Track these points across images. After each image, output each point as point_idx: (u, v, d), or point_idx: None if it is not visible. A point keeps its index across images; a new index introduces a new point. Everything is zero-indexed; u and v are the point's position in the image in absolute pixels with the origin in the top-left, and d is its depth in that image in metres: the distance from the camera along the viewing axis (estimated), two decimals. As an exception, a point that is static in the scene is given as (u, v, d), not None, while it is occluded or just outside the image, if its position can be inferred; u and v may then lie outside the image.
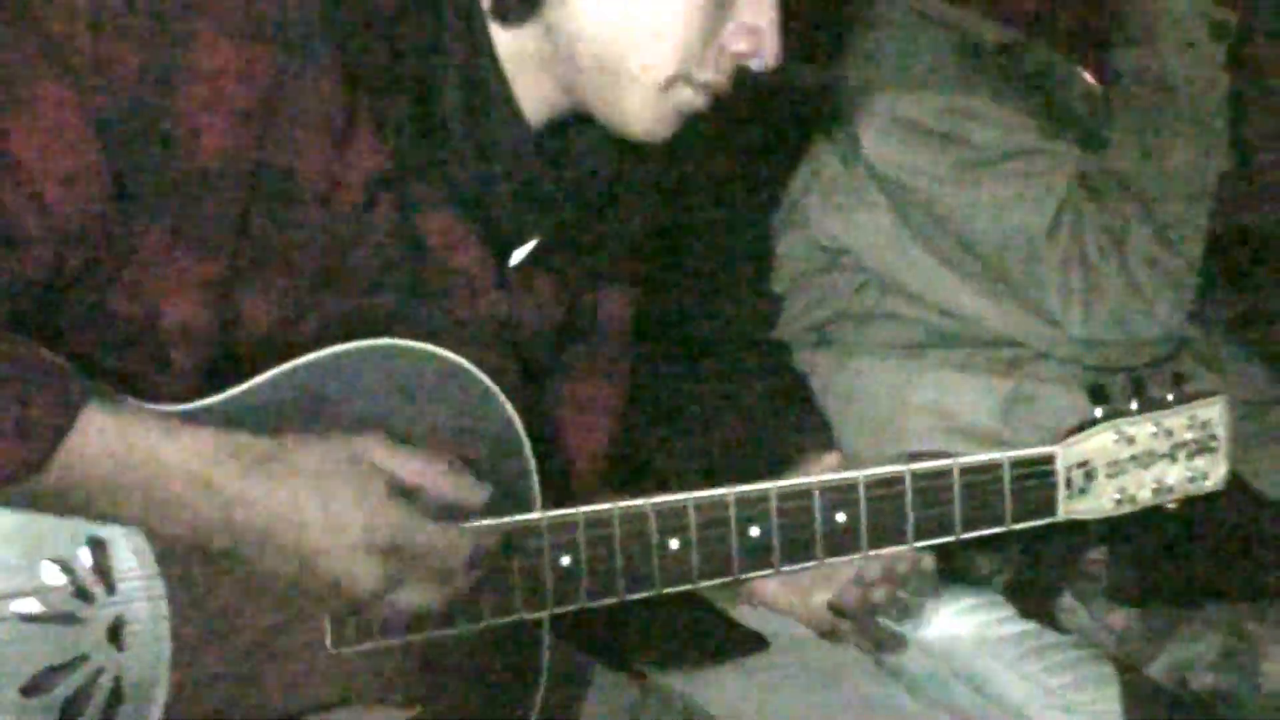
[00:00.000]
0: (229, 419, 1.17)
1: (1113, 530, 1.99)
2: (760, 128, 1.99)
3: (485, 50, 1.22)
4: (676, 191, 1.43)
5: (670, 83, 1.23)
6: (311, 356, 1.19)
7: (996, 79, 1.94)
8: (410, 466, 1.18)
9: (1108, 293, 1.88)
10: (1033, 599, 2.04)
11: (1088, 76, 2.06)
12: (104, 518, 1.14)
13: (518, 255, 1.32)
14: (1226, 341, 2.10)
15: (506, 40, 1.23)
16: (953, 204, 1.91)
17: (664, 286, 1.50)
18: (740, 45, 1.24)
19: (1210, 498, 1.90)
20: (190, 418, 1.15)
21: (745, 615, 1.71)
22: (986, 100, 1.90)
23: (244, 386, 1.19)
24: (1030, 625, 1.90)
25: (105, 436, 1.10)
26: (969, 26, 1.98)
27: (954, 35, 1.95)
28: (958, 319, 1.99)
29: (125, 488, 1.11)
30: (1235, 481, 1.95)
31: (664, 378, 1.88)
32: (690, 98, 1.25)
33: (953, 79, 1.90)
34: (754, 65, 1.25)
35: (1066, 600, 2.10)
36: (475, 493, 1.21)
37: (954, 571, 1.94)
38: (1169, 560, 2.03)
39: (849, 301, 2.02)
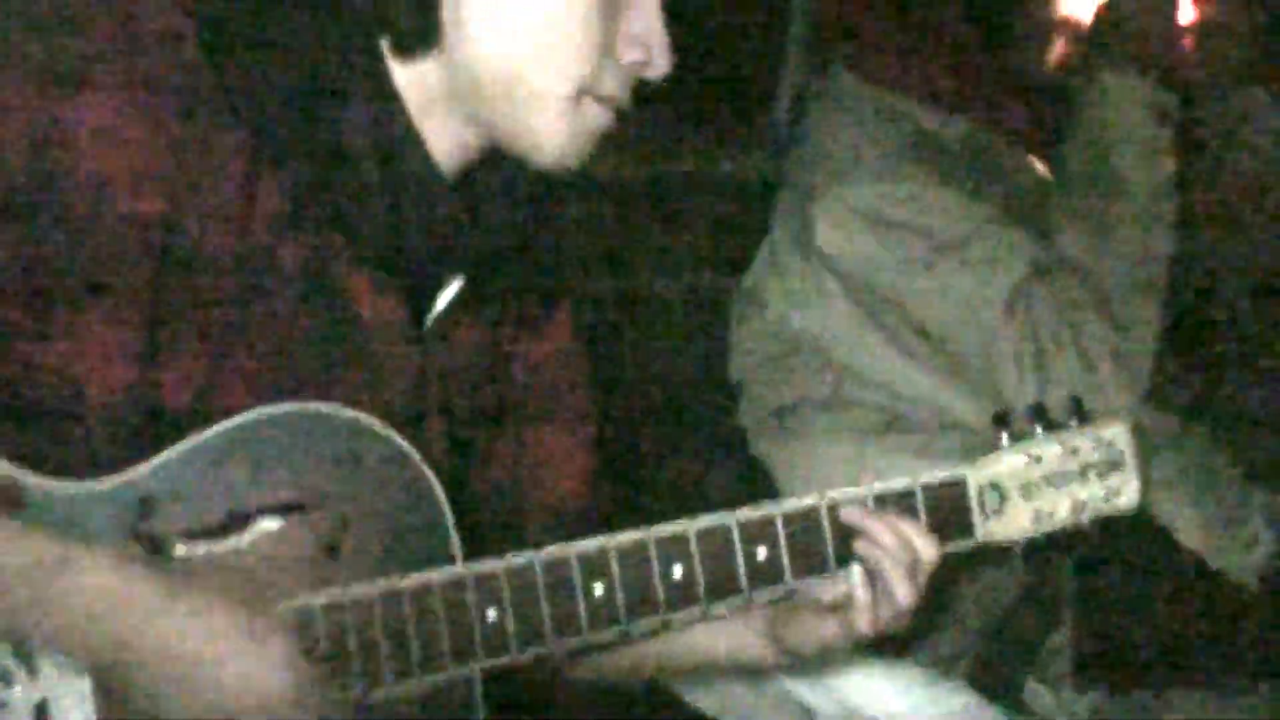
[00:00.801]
0: (140, 494, 1.19)
1: (1080, 611, 2.00)
2: (714, 214, 2.05)
3: (389, 91, 1.24)
4: (626, 270, 1.45)
5: (574, 101, 1.26)
6: (221, 426, 1.22)
7: (948, 168, 2.01)
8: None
9: (1063, 376, 1.92)
10: (997, 682, 2.04)
11: (1037, 165, 2.14)
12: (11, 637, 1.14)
13: (440, 302, 1.33)
14: (1183, 425, 2.13)
15: (410, 80, 1.25)
16: (908, 291, 1.96)
17: (617, 372, 1.52)
18: (634, 55, 1.28)
19: (1179, 582, 1.92)
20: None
21: (698, 698, 1.71)
22: (939, 188, 1.97)
23: (153, 462, 1.20)
24: (994, 709, 1.89)
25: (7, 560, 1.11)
26: (920, 118, 2.05)
27: (906, 126, 2.03)
28: (915, 404, 2.03)
29: (25, 607, 1.12)
30: (1202, 565, 1.98)
31: (623, 463, 1.90)
32: (596, 114, 1.27)
33: (905, 168, 1.97)
34: (648, 75, 1.29)
35: (1031, 687, 2.09)
36: None
37: (912, 652, 1.94)
38: (1137, 644, 2.03)
39: (807, 388, 2.06)
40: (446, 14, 1.24)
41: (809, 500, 1.37)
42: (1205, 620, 2.05)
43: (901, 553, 1.35)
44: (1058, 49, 2.05)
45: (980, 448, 2.00)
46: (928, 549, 1.36)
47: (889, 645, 1.91)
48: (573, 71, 1.25)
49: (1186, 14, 2.03)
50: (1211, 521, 2.06)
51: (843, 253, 1.98)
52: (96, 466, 1.19)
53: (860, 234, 1.97)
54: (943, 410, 2.02)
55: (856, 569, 1.36)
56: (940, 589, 1.42)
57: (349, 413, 1.25)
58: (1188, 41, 2.03)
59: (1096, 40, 2.02)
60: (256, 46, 1.21)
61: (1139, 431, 1.50)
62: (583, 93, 1.26)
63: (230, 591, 1.17)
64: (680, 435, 2.15)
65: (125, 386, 1.19)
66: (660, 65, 1.28)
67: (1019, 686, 2.09)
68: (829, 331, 2.03)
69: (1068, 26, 2.05)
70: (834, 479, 2.05)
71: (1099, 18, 2.03)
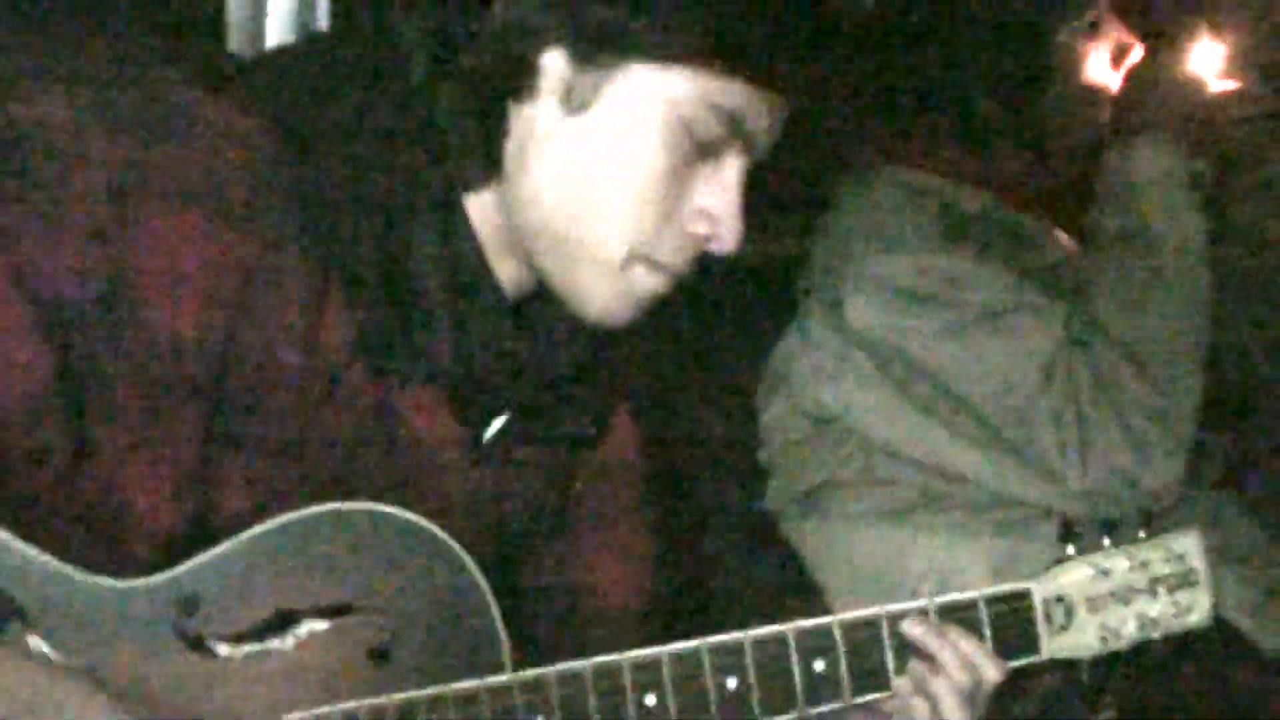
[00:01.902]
0: (182, 593, 1.16)
1: (1124, 696, 1.94)
2: (741, 300, 2.03)
3: (461, 222, 1.22)
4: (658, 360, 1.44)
5: (626, 264, 1.22)
6: (268, 524, 1.19)
7: (977, 241, 1.98)
8: None
9: (1104, 442, 1.89)
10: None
11: (1064, 237, 2.11)
12: None
13: (497, 422, 1.31)
14: (1221, 498, 2.09)
15: (479, 214, 1.23)
16: (943, 364, 1.93)
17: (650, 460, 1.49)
18: (699, 228, 1.23)
19: (1221, 660, 1.86)
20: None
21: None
22: (969, 261, 1.94)
23: (195, 561, 1.18)
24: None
25: None
26: (948, 194, 2.03)
27: (933, 202, 2.01)
28: (951, 480, 1.99)
29: None
30: (1241, 642, 1.92)
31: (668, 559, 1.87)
32: (648, 280, 1.24)
33: (935, 243, 1.95)
34: (713, 249, 1.24)
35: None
36: None
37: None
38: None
39: (836, 469, 2.03)
40: (511, 154, 1.21)
41: (870, 610, 1.32)
42: (1252, 701, 1.99)
43: (961, 674, 1.30)
44: (1085, 118, 2.02)
45: (1019, 524, 1.98)
46: (992, 671, 1.32)
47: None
48: (628, 238, 1.21)
49: (1216, 81, 2.00)
50: (1256, 598, 2.00)
51: (874, 327, 1.96)
52: (141, 572, 1.18)
53: (891, 308, 1.95)
54: (982, 484, 1.98)
55: (903, 683, 1.31)
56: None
57: (399, 512, 1.23)
58: (1218, 109, 2.00)
59: (1126, 107, 2.00)
60: (329, 169, 1.19)
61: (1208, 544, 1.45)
62: (636, 259, 1.23)
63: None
64: (710, 521, 2.11)
65: (176, 505, 1.18)
66: (727, 243, 1.24)
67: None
68: (860, 408, 2.00)
69: (1095, 95, 2.02)
70: (867, 561, 2.05)
71: (1128, 84, 2.01)
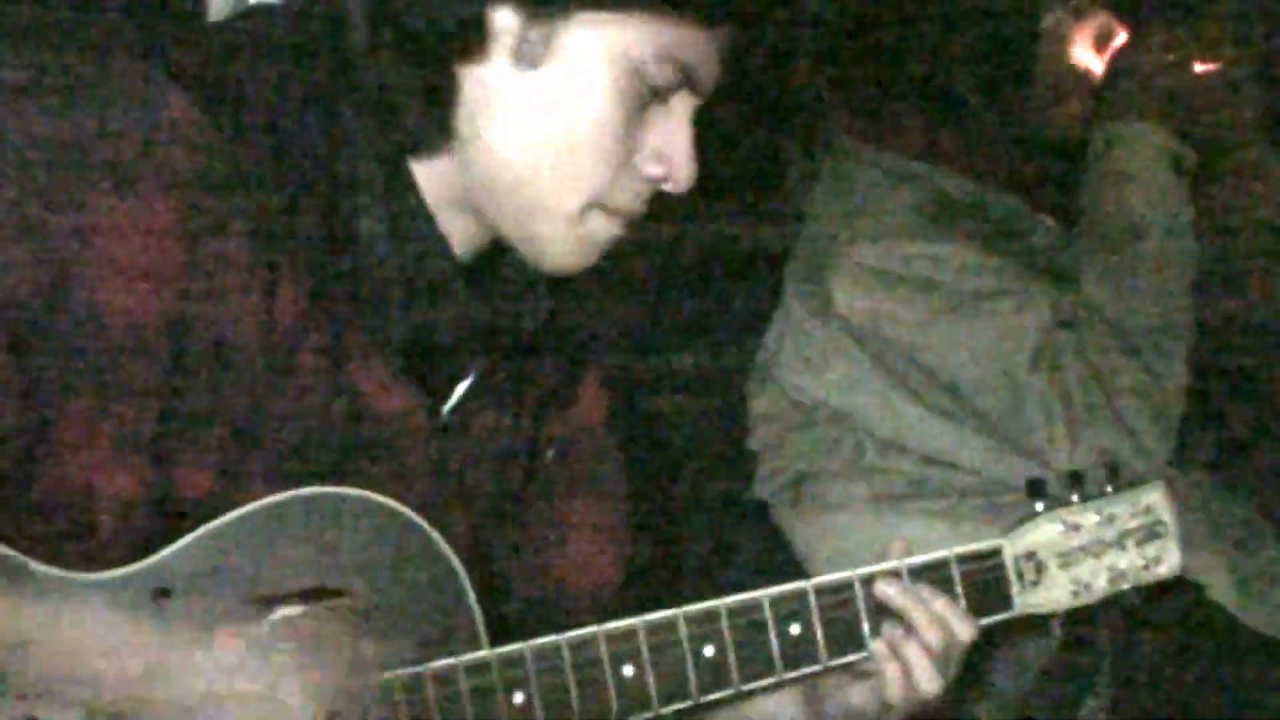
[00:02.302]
0: (155, 584, 1.15)
1: (1116, 675, 1.95)
2: (729, 287, 2.04)
3: (406, 184, 1.21)
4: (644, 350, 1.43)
5: (584, 211, 1.23)
6: (238, 512, 1.19)
7: (962, 225, 1.99)
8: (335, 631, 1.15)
9: (1092, 424, 1.89)
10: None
11: (1051, 223, 2.11)
12: None
13: (459, 390, 1.30)
14: (1207, 481, 2.10)
15: (426, 176, 1.22)
16: (930, 346, 1.93)
17: (637, 447, 1.49)
18: (653, 169, 1.24)
19: (1214, 640, 1.87)
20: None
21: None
22: (955, 244, 1.95)
23: (169, 550, 1.18)
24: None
25: None
26: (937, 181, 2.03)
27: (917, 187, 2.01)
28: (939, 466, 1.99)
29: None
30: (1234, 624, 1.93)
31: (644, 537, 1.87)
32: (605, 226, 1.25)
33: (919, 227, 1.95)
34: (668, 189, 1.25)
35: (1067, 754, 2.05)
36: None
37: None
38: (1176, 707, 1.99)
39: (825, 457, 2.02)
40: (462, 116, 1.21)
41: (842, 575, 1.33)
42: (1245, 680, 2.00)
43: (933, 634, 1.31)
44: (1069, 103, 2.03)
45: (1008, 508, 1.98)
46: (964, 629, 1.33)
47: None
48: (586, 186, 1.22)
49: (1199, 66, 2.01)
50: (1246, 579, 2.02)
51: (860, 313, 1.96)
52: (109, 562, 1.16)
53: (878, 293, 1.95)
54: (971, 469, 1.99)
55: (878, 646, 1.32)
56: (973, 657, 1.38)
57: (369, 495, 1.22)
58: (1201, 93, 2.01)
59: (1110, 92, 2.00)
60: (269, 143, 1.18)
61: (1176, 494, 1.46)
62: (592, 207, 1.23)
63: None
64: (700, 508, 2.11)
65: (136, 484, 1.17)
66: (682, 181, 1.25)
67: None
68: (849, 395, 2.00)
69: (1079, 80, 2.03)
70: (856, 549, 2.04)
71: (1112, 69, 2.02)
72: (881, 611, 1.33)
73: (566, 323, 1.35)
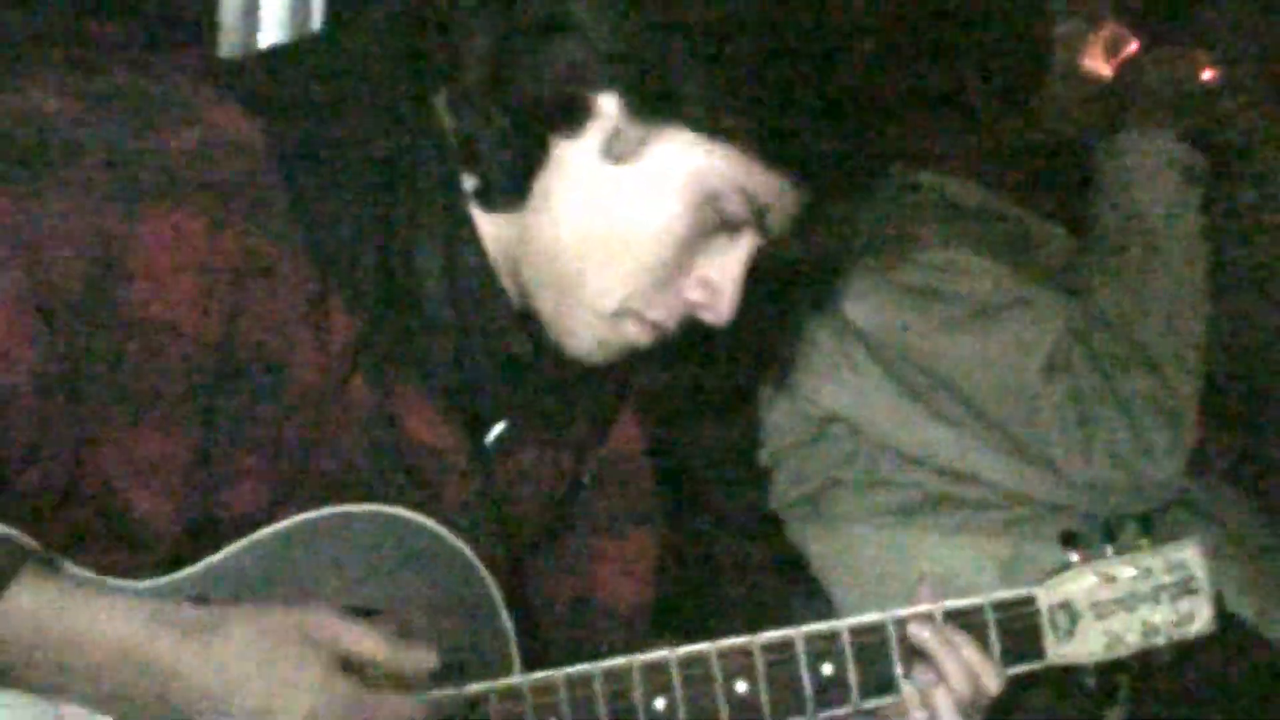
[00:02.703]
0: (185, 595, 1.15)
1: (1137, 690, 1.94)
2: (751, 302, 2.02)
3: (468, 235, 1.21)
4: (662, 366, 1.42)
5: (617, 315, 1.22)
6: (279, 525, 1.19)
7: (974, 234, 1.98)
8: (357, 637, 1.15)
9: (1107, 433, 1.88)
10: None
11: (1061, 231, 2.11)
12: (33, 688, 1.11)
13: (491, 435, 1.31)
14: (1225, 491, 2.09)
15: (488, 231, 1.22)
16: (943, 356, 1.92)
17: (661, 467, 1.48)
18: (695, 295, 1.22)
19: (1229, 655, 1.86)
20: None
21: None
22: (967, 254, 1.94)
23: (202, 564, 1.18)
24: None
25: (37, 602, 1.08)
26: (944, 188, 2.03)
27: (929, 197, 2.01)
28: (954, 477, 1.99)
29: (49, 656, 1.09)
30: (1250, 636, 1.92)
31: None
32: (634, 332, 1.23)
33: (931, 236, 1.95)
34: (704, 318, 1.24)
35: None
36: (423, 660, 1.17)
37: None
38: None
39: (840, 470, 2.02)
40: (539, 184, 1.21)
41: (876, 615, 1.32)
42: (1259, 692, 1.99)
43: (963, 683, 1.30)
44: (1080, 112, 2.03)
45: (1025, 522, 1.98)
46: (992, 680, 1.31)
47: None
48: (625, 291, 1.21)
49: (1210, 73, 2.02)
50: (1264, 589, 2.01)
51: (873, 323, 1.95)
52: (146, 577, 1.17)
53: (890, 303, 1.94)
54: (985, 480, 1.98)
55: (909, 690, 1.31)
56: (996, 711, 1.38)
57: (409, 514, 1.22)
58: (1208, 99, 2.01)
59: (1120, 101, 2.00)
60: (331, 174, 1.18)
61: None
62: (628, 313, 1.23)
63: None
64: (715, 524, 2.10)
65: (175, 504, 1.16)
66: (721, 316, 1.24)
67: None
68: (862, 406, 1.99)
69: (1090, 89, 2.03)
70: (872, 563, 2.04)
71: (1122, 77, 2.02)
72: (913, 654, 1.32)
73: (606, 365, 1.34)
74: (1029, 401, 1.90)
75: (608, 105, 1.19)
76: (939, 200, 2.02)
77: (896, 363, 1.96)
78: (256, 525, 1.19)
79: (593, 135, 1.19)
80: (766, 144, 1.18)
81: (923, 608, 1.33)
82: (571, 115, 1.18)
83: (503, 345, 1.24)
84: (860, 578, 2.00)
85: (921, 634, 1.31)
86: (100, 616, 1.10)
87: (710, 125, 1.18)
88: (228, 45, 2.13)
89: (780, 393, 2.06)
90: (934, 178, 2.04)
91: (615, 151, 1.19)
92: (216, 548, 1.19)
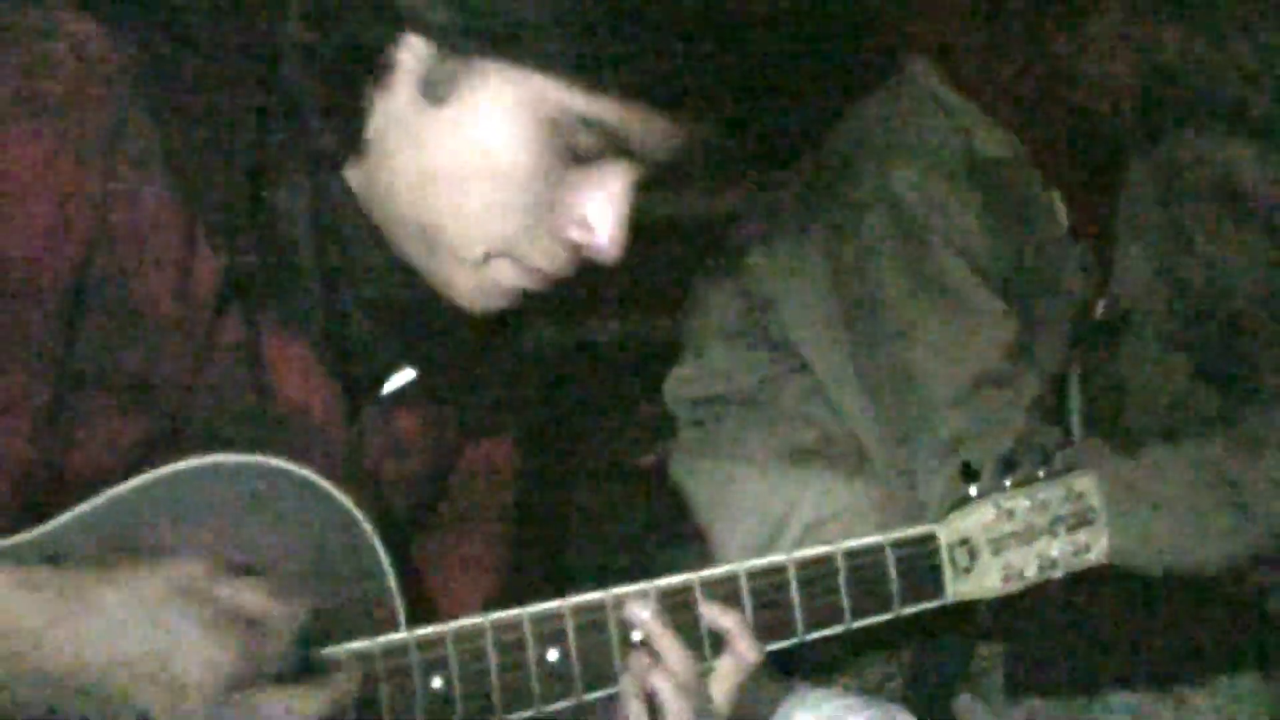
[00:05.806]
0: (50, 552, 1.08)
1: (1005, 623, 1.97)
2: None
3: (336, 184, 1.15)
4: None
5: (487, 259, 1.16)
6: (142, 479, 1.12)
7: (986, 200, 1.91)
8: (235, 590, 1.08)
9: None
10: (930, 698, 2.00)
11: (1062, 210, 2.03)
12: None
13: (390, 386, 1.25)
14: (1225, 439, 1.99)
15: (353, 178, 1.16)
16: (897, 317, 1.87)
17: (542, 413, 1.43)
18: (574, 234, 1.15)
19: (1103, 580, 1.88)
20: None
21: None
22: (973, 217, 1.88)
23: (67, 516, 1.11)
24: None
25: None
26: (975, 129, 1.95)
27: (958, 134, 1.93)
28: (849, 428, 1.96)
29: None
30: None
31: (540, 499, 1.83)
32: (512, 274, 1.16)
33: (946, 177, 1.88)
34: (591, 258, 1.17)
35: (964, 700, 2.07)
36: (306, 614, 1.10)
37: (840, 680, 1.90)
38: (1068, 648, 2.01)
39: (751, 384, 1.97)
40: (374, 132, 1.14)
41: (774, 558, 1.29)
42: (1140, 620, 2.03)
43: (682, 662, 1.20)
44: (1121, 97, 1.96)
45: (916, 476, 1.96)
46: (751, 650, 1.22)
47: (812, 670, 1.87)
48: (485, 235, 1.14)
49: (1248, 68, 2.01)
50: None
51: (918, 204, 1.85)
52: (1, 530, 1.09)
53: (938, 189, 1.87)
54: (879, 440, 1.95)
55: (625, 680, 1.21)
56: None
57: (288, 466, 1.16)
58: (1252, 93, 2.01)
59: (1163, 93, 1.98)
60: (198, 112, 1.11)
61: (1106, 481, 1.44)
62: (498, 255, 1.15)
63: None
64: (594, 474, 2.07)
65: (30, 448, 1.10)
66: (605, 253, 1.15)
67: (952, 702, 2.06)
68: (806, 326, 1.94)
69: (1133, 75, 1.96)
70: (755, 503, 2.00)
71: (1166, 70, 1.98)
72: (815, 596, 1.29)
73: (503, 341, 1.28)
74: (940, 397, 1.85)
75: (411, 48, 1.12)
76: (967, 151, 1.91)
77: (904, 251, 1.87)
78: (116, 476, 1.13)
79: (406, 80, 1.12)
80: (580, 67, 1.09)
81: (825, 549, 1.29)
82: (376, 62, 1.12)
83: (380, 293, 1.17)
84: (743, 518, 1.98)
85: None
86: None
87: (519, 56, 1.10)
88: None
89: (724, 268, 1.98)
90: (969, 108, 1.93)
91: (432, 93, 1.12)
92: (75, 503, 1.12)
